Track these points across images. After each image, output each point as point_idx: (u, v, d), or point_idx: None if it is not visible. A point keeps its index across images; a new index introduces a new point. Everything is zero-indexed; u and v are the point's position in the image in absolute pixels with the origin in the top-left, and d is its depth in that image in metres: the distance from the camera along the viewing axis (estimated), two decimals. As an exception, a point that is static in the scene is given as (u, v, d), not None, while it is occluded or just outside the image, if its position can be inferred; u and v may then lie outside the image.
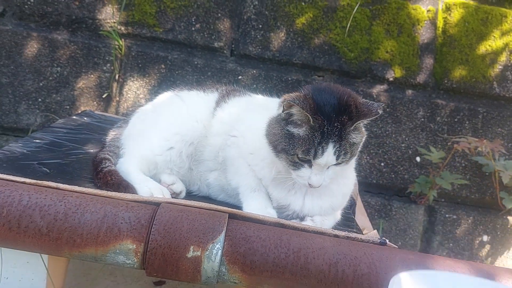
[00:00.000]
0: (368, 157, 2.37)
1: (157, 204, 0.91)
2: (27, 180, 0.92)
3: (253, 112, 1.21)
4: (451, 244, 2.38)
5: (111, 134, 1.39)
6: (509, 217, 2.41)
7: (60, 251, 0.84)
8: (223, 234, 0.86)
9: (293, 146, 1.01)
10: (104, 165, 1.16)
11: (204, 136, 1.23)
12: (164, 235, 0.84)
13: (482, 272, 0.92)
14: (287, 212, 1.14)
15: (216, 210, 0.93)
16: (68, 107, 2.24)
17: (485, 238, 2.40)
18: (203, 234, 0.85)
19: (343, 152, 1.00)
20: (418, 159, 2.38)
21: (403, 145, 2.39)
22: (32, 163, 1.20)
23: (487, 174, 2.37)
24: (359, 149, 1.06)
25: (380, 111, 1.01)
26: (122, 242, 0.84)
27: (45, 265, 0.95)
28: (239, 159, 1.15)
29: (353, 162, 1.16)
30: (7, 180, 0.90)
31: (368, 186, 2.39)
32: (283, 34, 2.36)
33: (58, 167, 1.22)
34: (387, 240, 0.96)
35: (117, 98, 2.27)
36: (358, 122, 1.00)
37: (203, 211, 0.91)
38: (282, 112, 1.03)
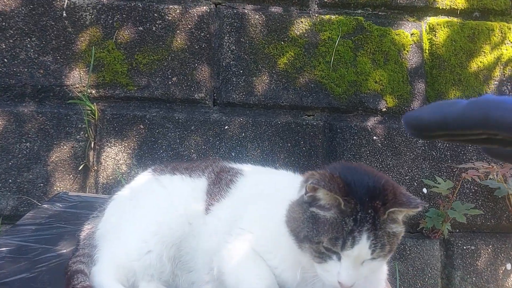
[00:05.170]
0: (372, 195, 2.21)
1: None
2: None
3: (260, 200, 1.03)
4: (474, 278, 2.20)
5: (86, 229, 1.21)
6: (529, 240, 2.25)
7: None
8: None
9: (318, 232, 0.81)
10: (76, 282, 0.97)
11: (191, 236, 1.05)
12: None
13: None
14: None
15: None
16: (42, 184, 2.05)
17: (508, 266, 2.23)
18: None
19: (379, 245, 0.81)
20: (424, 190, 2.22)
21: (406, 177, 2.23)
22: (-7, 284, 1.01)
23: (500, 197, 2.22)
24: (397, 244, 0.87)
25: (421, 208, 0.82)
26: None
27: None
28: (250, 254, 0.94)
29: None
30: None
31: (377, 227, 2.22)
32: (266, 77, 2.23)
33: (24, 285, 1.03)
34: None
35: (95, 168, 2.09)
36: (393, 209, 0.81)
37: None
38: (305, 194, 0.86)
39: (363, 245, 0.79)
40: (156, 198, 1.12)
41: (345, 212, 0.81)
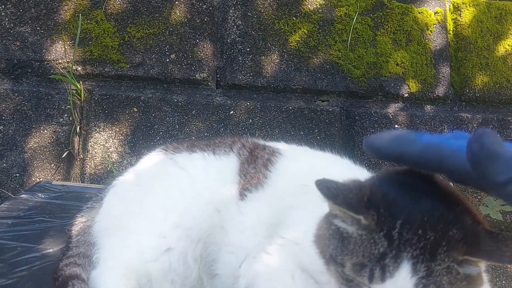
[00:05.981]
0: (394, 189, 1.99)
1: None
2: None
3: (306, 200, 0.77)
4: (503, 282, 2.00)
5: (79, 223, 0.94)
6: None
7: None
8: None
9: (342, 251, 0.58)
10: (71, 291, 0.71)
11: (218, 227, 0.80)
12: None
13: None
14: None
15: None
16: (18, 174, 1.75)
17: (538, 267, 2.04)
18: None
19: (431, 285, 0.53)
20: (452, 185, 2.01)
21: (432, 170, 2.02)
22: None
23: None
24: None
25: None
26: None
27: None
28: (296, 274, 0.70)
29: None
30: None
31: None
32: (276, 56, 1.98)
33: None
34: None
35: (81, 156, 1.80)
36: (466, 258, 0.55)
37: None
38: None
39: (402, 280, 0.53)
40: (174, 182, 0.86)
41: (370, 228, 0.55)
